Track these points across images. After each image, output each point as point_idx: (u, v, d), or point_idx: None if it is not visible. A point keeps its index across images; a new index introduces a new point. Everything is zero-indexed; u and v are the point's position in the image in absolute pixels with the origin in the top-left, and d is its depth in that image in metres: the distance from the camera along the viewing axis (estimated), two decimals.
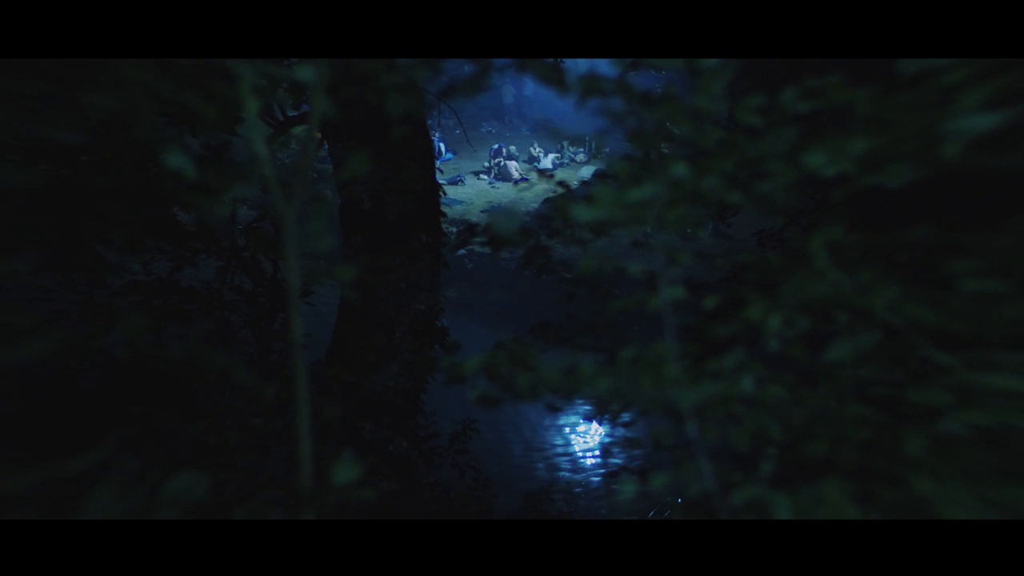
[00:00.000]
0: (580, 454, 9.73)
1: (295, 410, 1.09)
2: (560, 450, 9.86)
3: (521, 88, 24.26)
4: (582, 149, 21.28)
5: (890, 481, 1.19)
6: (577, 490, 8.66)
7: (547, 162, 21.06)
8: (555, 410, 1.48)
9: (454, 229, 2.71)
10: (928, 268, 1.18)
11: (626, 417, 1.59)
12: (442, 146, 21.04)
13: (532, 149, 21.64)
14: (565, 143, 21.15)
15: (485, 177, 20.64)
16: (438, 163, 19.73)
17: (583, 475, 9.15)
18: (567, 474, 9.20)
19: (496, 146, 21.46)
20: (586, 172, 19.63)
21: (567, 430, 10.19)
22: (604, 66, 1.39)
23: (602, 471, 9.12)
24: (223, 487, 3.05)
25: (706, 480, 1.18)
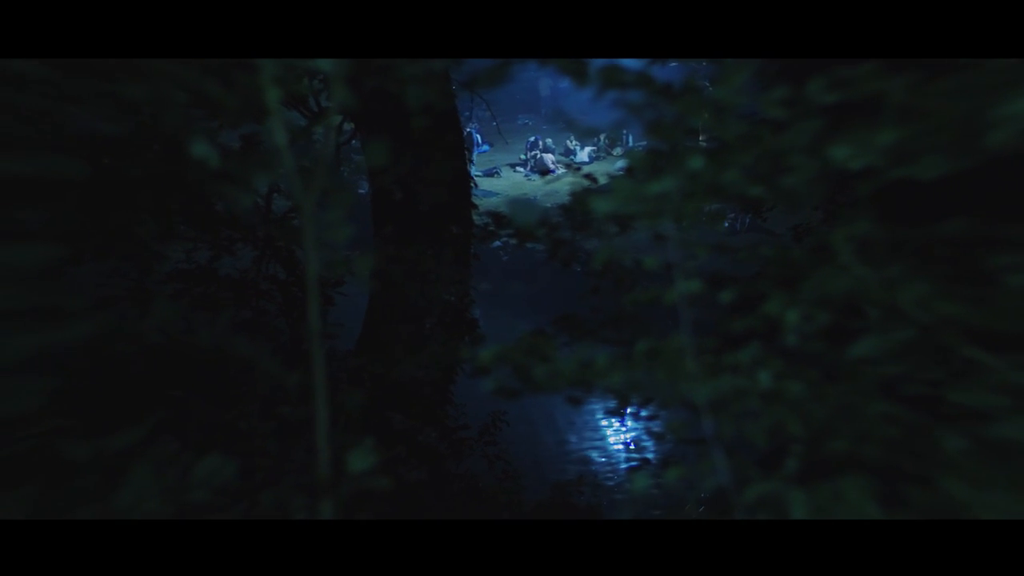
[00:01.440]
0: (616, 446, 9.72)
1: (314, 398, 1.12)
2: (596, 442, 9.86)
3: (557, 80, 24.15)
4: (618, 142, 21.11)
5: (919, 482, 1.16)
6: (608, 482, 8.65)
7: (583, 155, 20.95)
8: (576, 403, 1.48)
9: (488, 220, 2.72)
10: (965, 263, 1.14)
11: (647, 411, 1.59)
12: (478, 137, 21.07)
13: (568, 142, 21.55)
14: (602, 136, 21.01)
15: (521, 169, 20.62)
16: (474, 154, 19.76)
17: (613, 466, 9.14)
18: (599, 466, 9.20)
19: (532, 138, 21.41)
20: (622, 165, 19.48)
21: (612, 421, 10.17)
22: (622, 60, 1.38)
23: (629, 464, 9.09)
24: (253, 472, 3.13)
25: (721, 475, 1.17)
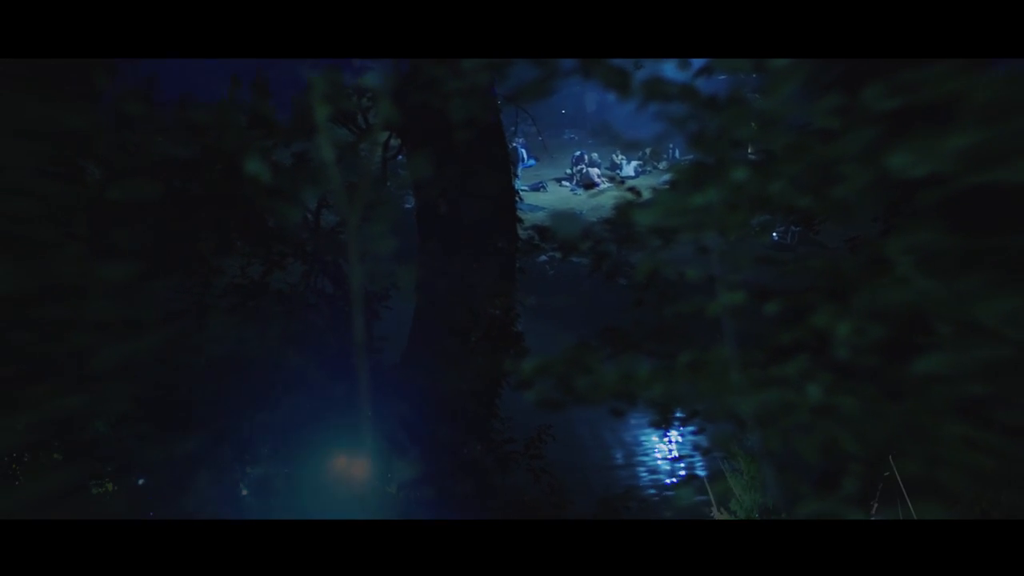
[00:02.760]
0: (662, 459, 9.57)
1: (359, 409, 1.14)
2: (643, 456, 9.73)
3: (603, 94, 24.09)
4: (664, 156, 20.94)
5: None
6: (655, 496, 8.51)
7: (629, 169, 20.84)
8: (619, 415, 1.47)
9: (534, 235, 2.73)
10: None
11: (693, 425, 1.56)
12: (523, 152, 21.14)
13: (614, 156, 21.47)
14: (647, 149, 20.87)
15: (567, 184, 20.62)
16: (520, 169, 19.86)
17: (659, 481, 9.00)
18: (646, 480, 9.07)
19: (578, 153, 21.40)
20: (668, 178, 19.24)
21: (658, 435, 10.01)
22: (670, 71, 1.38)
23: (676, 478, 8.93)
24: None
25: (770, 491, 1.14)
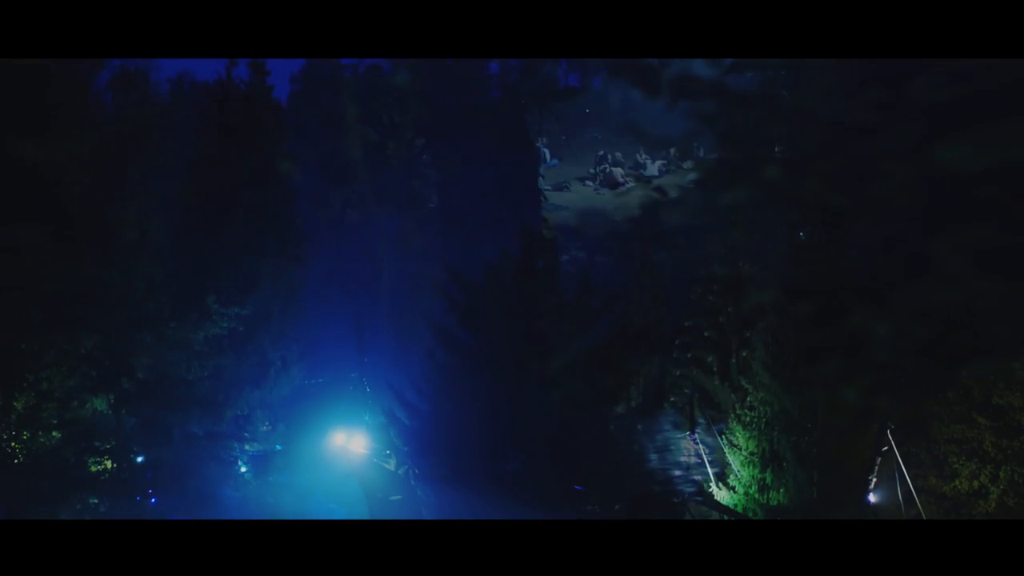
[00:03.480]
0: (688, 459, 9.48)
1: (382, 399, 1.13)
2: (668, 455, 9.65)
3: (628, 93, 23.96)
4: (689, 154, 20.74)
5: None
6: (679, 496, 8.43)
7: (653, 168, 20.69)
8: (647, 415, 1.45)
9: (557, 234, 2.73)
10: None
11: (721, 424, 1.54)
12: (547, 152, 21.10)
13: (638, 155, 21.34)
14: (672, 149, 20.70)
15: (591, 183, 20.52)
16: (542, 168, 19.80)
17: (684, 480, 8.92)
18: (672, 479, 9.00)
19: (601, 152, 21.30)
20: (693, 177, 19.12)
21: (685, 435, 9.92)
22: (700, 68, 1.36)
23: (697, 477, 8.84)
24: None
25: (804, 492, 1.12)
